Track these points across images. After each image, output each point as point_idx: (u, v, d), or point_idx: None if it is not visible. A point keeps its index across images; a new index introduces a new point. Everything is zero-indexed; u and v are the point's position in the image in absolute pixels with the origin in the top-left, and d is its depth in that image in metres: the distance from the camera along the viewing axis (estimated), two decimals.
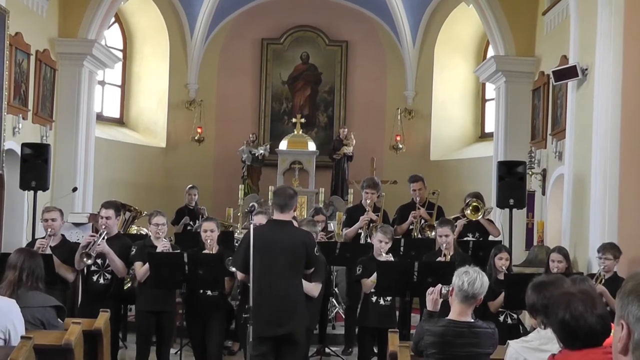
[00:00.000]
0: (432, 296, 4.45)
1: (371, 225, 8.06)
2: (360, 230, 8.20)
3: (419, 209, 8.34)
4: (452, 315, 4.16)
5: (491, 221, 8.59)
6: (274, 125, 14.81)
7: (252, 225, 5.49)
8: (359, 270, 6.53)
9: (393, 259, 6.55)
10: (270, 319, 5.23)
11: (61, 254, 6.45)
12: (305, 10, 14.73)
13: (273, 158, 13.75)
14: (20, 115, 10.02)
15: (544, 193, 10.44)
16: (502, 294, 6.34)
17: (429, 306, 4.47)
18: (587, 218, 7.77)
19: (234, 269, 6.03)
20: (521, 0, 11.54)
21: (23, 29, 9.95)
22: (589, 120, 7.84)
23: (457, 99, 14.59)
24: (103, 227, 6.49)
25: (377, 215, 8.21)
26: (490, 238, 8.26)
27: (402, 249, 7.42)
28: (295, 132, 13.81)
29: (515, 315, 6.56)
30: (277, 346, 5.33)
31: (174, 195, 12.20)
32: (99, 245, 6.33)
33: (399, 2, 14.03)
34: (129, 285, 7.33)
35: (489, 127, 13.93)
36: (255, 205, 6.53)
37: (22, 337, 4.05)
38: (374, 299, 6.47)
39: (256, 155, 13.80)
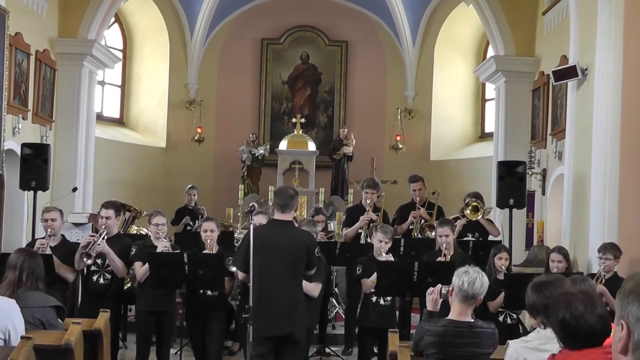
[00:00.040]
0: (432, 296, 4.46)
1: (371, 225, 8.06)
2: (360, 230, 8.20)
3: (419, 209, 8.34)
4: (452, 315, 4.16)
5: (491, 221, 8.60)
6: (274, 125, 14.81)
7: (252, 225, 5.49)
8: (359, 270, 6.53)
9: (393, 259, 6.55)
10: (271, 319, 5.23)
11: (61, 254, 6.46)
12: (305, 10, 14.73)
13: (273, 158, 13.75)
14: (20, 115, 10.02)
15: (544, 193, 10.44)
16: (502, 294, 6.35)
17: (429, 306, 4.47)
18: (587, 218, 7.77)
19: (234, 269, 6.03)
20: (521, 0, 11.54)
21: (23, 29, 9.95)
22: (589, 120, 7.84)
23: (457, 99, 14.59)
24: (103, 227, 6.50)
25: (377, 215, 8.21)
26: (490, 238, 8.26)
27: (402, 249, 7.42)
28: (295, 132, 13.81)
29: (514, 315, 6.56)
30: (277, 346, 5.33)
31: (174, 195, 12.20)
32: (98, 245, 6.34)
33: (399, 2, 14.04)
34: (129, 285, 7.33)
35: (489, 127, 13.93)
36: (255, 205, 6.54)
37: (22, 337, 4.05)
38: (374, 299, 6.47)
39: (256, 155, 13.80)
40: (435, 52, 14.51)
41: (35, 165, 9.06)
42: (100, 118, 13.14)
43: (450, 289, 4.18)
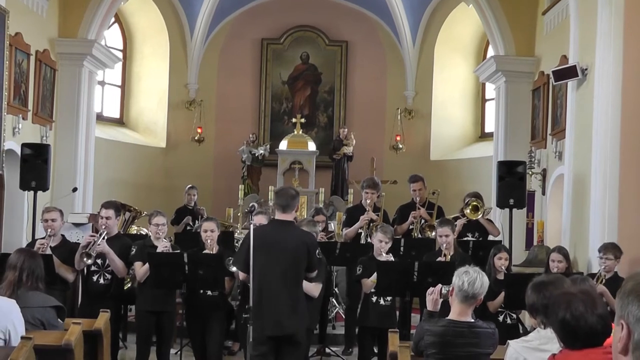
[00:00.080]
0: (432, 296, 4.46)
1: (371, 225, 8.06)
2: (360, 230, 8.20)
3: (419, 209, 8.34)
4: (452, 315, 4.16)
5: (490, 221, 8.61)
6: (274, 125, 14.81)
7: (252, 226, 5.49)
8: (359, 270, 6.53)
9: (393, 259, 6.55)
10: (272, 319, 5.24)
11: (61, 254, 6.46)
12: (305, 10, 14.73)
13: (273, 158, 13.75)
14: (20, 115, 10.02)
15: (544, 193, 10.44)
16: (502, 294, 6.35)
17: (429, 306, 4.47)
18: (587, 218, 7.77)
19: (234, 269, 6.03)
20: (521, 0, 11.54)
21: (23, 29, 9.95)
22: (589, 120, 7.84)
23: (457, 99, 14.59)
24: (103, 227, 6.50)
25: (377, 215, 8.21)
26: (490, 238, 8.27)
27: (402, 249, 7.42)
28: (295, 132, 13.81)
29: (514, 315, 6.56)
30: (278, 346, 5.33)
31: (174, 195, 12.20)
32: (99, 245, 6.34)
33: (399, 2, 14.03)
34: (129, 285, 7.33)
35: (489, 127, 13.93)
36: (255, 205, 6.54)
37: (22, 338, 4.05)
38: (374, 299, 6.47)
39: (256, 155, 13.80)
40: (435, 52, 14.51)
41: (35, 166, 9.06)
42: (100, 118, 13.14)
43: (451, 289, 4.18)
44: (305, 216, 10.36)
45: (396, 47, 14.69)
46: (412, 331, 5.50)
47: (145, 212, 9.34)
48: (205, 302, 6.33)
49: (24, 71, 10.16)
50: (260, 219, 6.49)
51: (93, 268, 6.52)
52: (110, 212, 6.57)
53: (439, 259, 6.66)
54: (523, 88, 11.47)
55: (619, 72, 7.34)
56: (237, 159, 13.95)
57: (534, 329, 3.83)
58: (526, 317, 6.69)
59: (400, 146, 14.28)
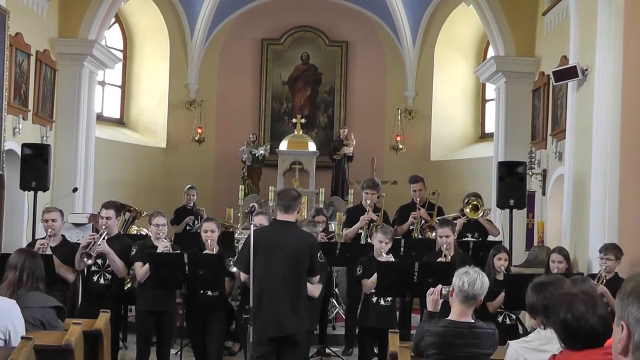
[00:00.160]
0: (433, 297, 4.46)
1: (371, 225, 8.06)
2: (360, 231, 8.20)
3: (419, 209, 8.34)
4: (452, 316, 4.16)
5: (490, 221, 8.62)
6: (274, 126, 14.82)
7: (252, 226, 5.50)
8: (360, 270, 6.54)
9: (393, 260, 6.56)
10: (272, 320, 5.24)
11: (61, 254, 6.46)
12: (305, 10, 14.73)
13: (273, 158, 13.75)
14: (21, 115, 10.02)
15: (544, 193, 10.44)
16: (501, 295, 6.35)
17: (430, 307, 4.47)
18: (588, 218, 7.77)
19: (234, 270, 6.04)
20: (521, 1, 11.54)
21: (23, 29, 9.95)
22: (589, 121, 7.84)
23: (457, 99, 14.59)
24: (103, 227, 6.50)
25: (377, 216, 8.21)
26: (490, 238, 8.27)
27: (402, 249, 7.42)
28: (296, 133, 13.81)
29: (513, 316, 6.56)
30: (278, 347, 5.33)
31: (174, 195, 12.20)
32: (99, 245, 6.34)
33: (399, 2, 14.03)
34: (129, 285, 7.33)
35: (489, 127, 13.93)
36: (256, 205, 6.54)
37: (22, 338, 4.05)
38: (374, 299, 6.47)
39: (256, 155, 13.80)
40: (436, 53, 14.51)
41: (35, 166, 9.07)
42: (100, 118, 13.14)
43: (451, 289, 4.18)
44: (305, 217, 10.36)
45: (396, 48, 14.69)
46: (412, 332, 5.50)
47: (145, 213, 9.34)
48: (205, 303, 6.33)
49: (24, 71, 10.16)
50: (260, 220, 6.49)
51: (93, 268, 6.53)
52: (111, 213, 6.58)
53: (439, 259, 6.67)
54: (523, 88, 11.47)
55: (619, 73, 7.34)
56: (238, 159, 13.95)
57: (534, 329, 3.83)
58: (526, 318, 6.68)
59: (401, 146, 14.28)
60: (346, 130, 13.89)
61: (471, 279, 4.07)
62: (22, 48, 10.03)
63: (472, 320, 4.20)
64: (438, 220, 8.07)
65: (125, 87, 14.45)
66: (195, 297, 6.33)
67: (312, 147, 13.60)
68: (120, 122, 14.38)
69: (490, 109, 13.75)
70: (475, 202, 8.14)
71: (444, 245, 6.74)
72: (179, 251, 6.46)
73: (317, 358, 8.02)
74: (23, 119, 10.09)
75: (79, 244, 6.60)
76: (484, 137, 14.29)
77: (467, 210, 8.13)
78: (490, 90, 13.44)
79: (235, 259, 5.97)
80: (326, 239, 8.28)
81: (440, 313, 4.42)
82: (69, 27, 11.45)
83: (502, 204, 9.03)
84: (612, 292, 5.79)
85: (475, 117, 14.61)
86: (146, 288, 6.37)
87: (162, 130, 14.49)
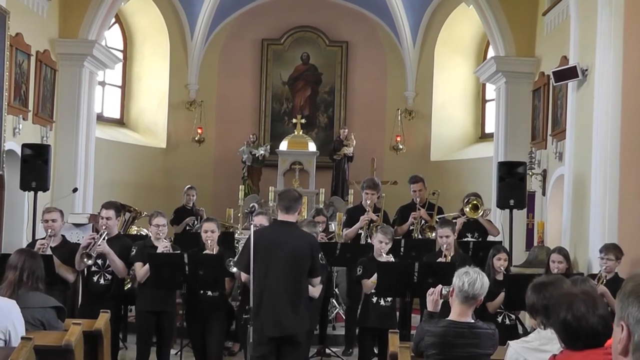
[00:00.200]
0: (433, 297, 4.46)
1: (371, 225, 8.06)
2: (360, 231, 8.20)
3: (419, 209, 8.34)
4: (452, 316, 4.16)
5: (490, 221, 8.62)
6: (274, 126, 14.81)
7: (252, 227, 5.50)
8: (360, 270, 6.54)
9: (393, 260, 6.56)
10: (273, 320, 5.24)
11: (61, 254, 6.46)
12: (305, 10, 14.74)
13: (273, 159, 13.75)
14: (21, 115, 10.02)
15: (544, 193, 10.44)
16: (501, 295, 6.36)
17: (430, 307, 4.47)
18: (588, 218, 7.77)
19: (234, 270, 6.04)
20: (521, 1, 11.53)
21: (23, 29, 9.95)
22: (589, 121, 7.84)
23: (458, 100, 14.59)
24: (103, 227, 6.50)
25: (377, 216, 8.21)
26: (490, 238, 8.27)
27: (402, 249, 7.42)
28: (296, 133, 13.81)
29: (513, 316, 6.56)
30: (279, 347, 5.34)
31: (174, 195, 12.19)
32: (99, 245, 6.34)
33: (399, 3, 14.04)
34: (129, 285, 7.33)
35: (489, 127, 13.93)
36: (256, 205, 6.54)
37: (22, 338, 4.05)
38: (374, 299, 6.47)
39: (256, 155, 13.80)
40: (436, 53, 14.51)
41: (35, 166, 9.07)
42: (100, 119, 13.14)
43: (451, 289, 4.18)
44: (305, 217, 10.36)
45: (396, 48, 14.69)
46: (413, 332, 5.51)
47: (145, 213, 9.35)
48: (205, 303, 6.33)
49: (25, 72, 10.16)
50: (260, 220, 6.50)
51: (93, 268, 6.53)
52: (111, 213, 6.58)
53: (439, 259, 6.67)
54: (523, 89, 11.47)
55: (619, 73, 7.34)
56: (238, 160, 13.95)
57: (534, 329, 3.84)
58: (526, 318, 6.68)
59: (401, 147, 14.28)
60: (346, 130, 13.89)
61: (471, 279, 4.07)
62: (23, 48, 10.03)
63: (472, 321, 4.20)
64: (438, 218, 8.09)
65: (125, 87, 14.45)
66: (195, 297, 6.33)
67: (312, 147, 13.60)
68: (121, 123, 14.38)
69: (491, 109, 13.75)
70: (475, 202, 8.16)
71: (444, 246, 6.74)
72: (179, 251, 6.46)
73: (317, 358, 8.02)
74: (23, 119, 10.09)
75: (79, 244, 6.60)
76: (484, 137, 14.29)
77: (467, 209, 8.13)
78: (491, 91, 13.44)
79: (235, 259, 5.98)
80: (326, 239, 8.28)
81: (441, 313, 4.42)
82: (69, 27, 11.45)
83: (502, 204, 9.03)
84: (612, 292, 5.79)
85: (475, 117, 14.61)
86: (146, 288, 6.37)
87: (162, 130, 14.49)
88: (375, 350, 6.76)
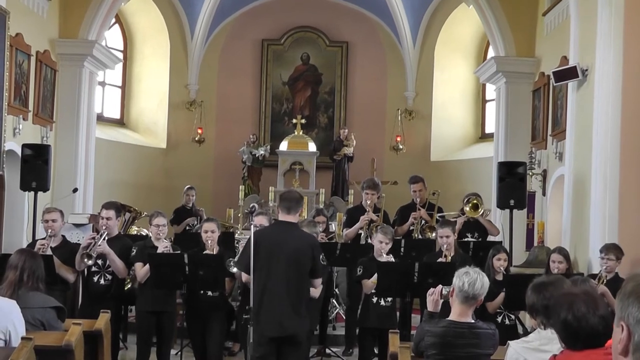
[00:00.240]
0: (433, 297, 4.46)
1: (371, 225, 8.06)
2: (360, 231, 8.20)
3: (419, 209, 8.34)
4: (452, 316, 4.16)
5: (490, 221, 8.62)
6: (274, 126, 14.82)
7: (252, 227, 5.51)
8: (360, 271, 6.54)
9: (393, 260, 6.56)
10: (274, 320, 5.24)
11: (62, 254, 6.46)
12: (305, 11, 14.74)
13: (273, 159, 13.75)
14: (21, 116, 10.02)
15: (544, 194, 10.44)
16: (500, 295, 6.36)
17: (430, 307, 4.47)
18: (588, 219, 7.77)
19: (234, 270, 6.04)
20: (521, 1, 11.54)
21: (23, 29, 9.95)
22: (589, 121, 7.84)
23: (458, 100, 14.59)
24: (104, 227, 6.50)
25: (377, 216, 8.21)
26: (490, 238, 8.28)
27: (402, 249, 7.42)
28: (296, 133, 13.81)
29: (512, 316, 6.56)
30: (278, 347, 5.34)
31: (175, 196, 12.18)
32: (99, 246, 6.34)
33: (399, 3, 14.04)
34: (130, 286, 7.33)
35: (490, 127, 13.93)
36: (256, 206, 6.54)
37: (22, 338, 4.05)
38: (374, 299, 6.47)
39: (256, 156, 13.80)
40: (436, 53, 14.51)
41: (35, 166, 9.07)
42: (100, 119, 13.14)
43: (451, 289, 4.18)
44: (305, 217, 10.36)
45: (396, 48, 14.69)
46: (413, 332, 5.51)
47: (145, 213, 9.35)
48: (205, 303, 6.33)
49: (25, 72, 10.16)
50: (260, 220, 6.50)
51: (93, 269, 6.53)
52: (111, 213, 6.58)
53: (440, 259, 6.67)
54: (523, 89, 11.47)
55: (619, 73, 7.34)
56: (238, 160, 13.95)
57: (534, 329, 3.84)
58: (526, 318, 6.68)
59: (401, 147, 14.28)
60: (346, 130, 13.89)
61: (471, 279, 4.07)
62: (23, 48, 10.04)
63: (473, 321, 4.20)
64: (439, 216, 8.09)
65: (125, 87, 14.45)
66: (196, 297, 6.33)
67: (312, 147, 13.60)
68: (121, 123, 14.39)
69: (491, 109, 13.75)
70: (475, 201, 8.16)
71: (444, 246, 6.74)
72: (179, 251, 6.46)
73: (317, 358, 8.02)
74: (23, 119, 10.09)
75: (79, 244, 6.60)
76: (484, 137, 14.29)
77: (467, 208, 8.14)
78: (491, 91, 13.44)
79: (236, 259, 5.98)
80: (326, 239, 8.28)
81: (441, 313, 4.42)
82: (69, 27, 11.45)
83: (502, 204, 9.03)
84: (612, 292, 5.79)
85: (475, 117, 14.61)
86: (146, 288, 6.38)
87: (163, 130, 14.49)
88: (376, 351, 6.76)
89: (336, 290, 9.21)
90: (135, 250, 6.47)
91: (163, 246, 6.45)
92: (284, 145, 13.60)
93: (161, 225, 6.60)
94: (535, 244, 10.00)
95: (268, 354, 5.28)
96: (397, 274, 6.19)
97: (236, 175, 13.89)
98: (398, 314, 6.84)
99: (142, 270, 6.35)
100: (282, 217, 5.49)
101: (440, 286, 4.49)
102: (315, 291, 5.80)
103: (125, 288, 7.17)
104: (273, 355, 5.32)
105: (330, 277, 8.32)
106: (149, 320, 6.46)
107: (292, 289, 5.30)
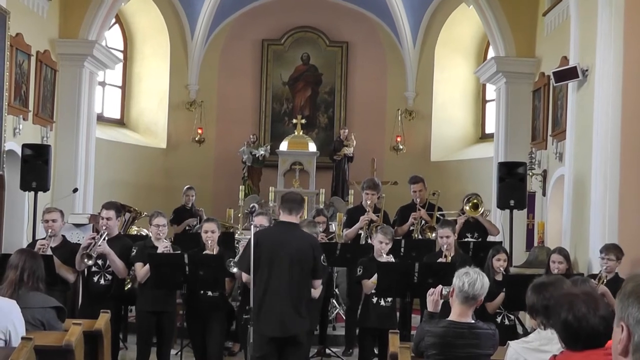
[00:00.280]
0: (433, 297, 4.46)
1: (371, 226, 8.06)
2: (360, 231, 8.20)
3: (419, 210, 8.34)
4: (452, 316, 4.16)
5: (490, 221, 8.63)
6: (274, 126, 14.82)
7: (252, 227, 5.51)
8: (360, 271, 6.54)
9: (393, 260, 6.56)
10: (275, 320, 5.25)
11: (62, 254, 6.46)
12: (305, 11, 14.74)
13: (273, 159, 13.75)
14: (21, 116, 10.02)
15: (544, 194, 10.44)
16: (500, 295, 6.36)
17: (430, 307, 4.47)
18: (588, 219, 7.77)
19: (234, 270, 6.04)
20: (521, 1, 11.54)
21: (24, 29, 9.96)
22: (590, 121, 7.84)
23: (458, 100, 14.59)
24: (104, 227, 6.50)
25: (378, 216, 8.21)
26: (490, 238, 8.28)
27: (402, 250, 7.42)
28: (296, 133, 13.81)
29: (512, 317, 6.56)
30: (279, 347, 5.34)
31: (175, 196, 12.18)
32: (99, 246, 6.34)
33: (399, 3, 14.04)
34: (130, 286, 7.33)
35: (490, 128, 13.93)
36: (256, 206, 6.54)
37: (22, 338, 4.05)
38: (374, 299, 6.47)
39: (257, 156, 13.80)
40: (436, 53, 14.51)
41: (35, 166, 9.07)
42: (100, 119, 13.15)
43: (451, 290, 4.18)
44: (306, 217, 10.35)
45: (397, 48, 14.69)
46: (413, 332, 5.51)
47: (145, 213, 9.35)
48: (205, 303, 6.33)
49: (25, 72, 10.16)
50: (260, 220, 6.51)
51: (94, 269, 6.53)
52: (111, 213, 6.58)
53: (440, 260, 6.67)
54: (523, 89, 11.47)
55: (620, 73, 7.34)
56: (238, 160, 13.95)
57: (534, 330, 3.84)
58: (526, 318, 6.68)
59: (401, 147, 14.28)
60: (346, 130, 13.89)
61: (471, 279, 4.07)
62: (23, 48, 10.04)
63: (472, 321, 4.20)
64: (439, 215, 8.09)
65: (125, 87, 14.46)
66: (196, 297, 6.33)
67: (312, 147, 13.60)
68: (121, 123, 14.39)
69: (491, 109, 13.75)
70: (475, 200, 8.17)
71: (444, 246, 6.74)
72: (179, 252, 6.46)
73: (318, 358, 8.02)
74: (23, 119, 10.09)
75: (80, 244, 6.60)
76: (484, 137, 14.29)
77: (467, 208, 8.14)
78: (491, 91, 13.45)
79: (236, 259, 5.98)
80: (326, 239, 8.28)
81: (441, 313, 4.42)
82: (69, 27, 11.45)
83: (502, 204, 9.03)
84: (612, 293, 5.79)
85: (475, 117, 14.61)
86: (146, 288, 6.37)
87: (163, 130, 14.49)
88: (376, 351, 6.76)
89: (336, 290, 9.21)
90: (135, 251, 6.47)
91: (163, 246, 6.45)
92: (284, 146, 13.60)
93: (161, 225, 6.60)
94: (535, 244, 10.00)
95: (269, 354, 5.29)
96: (397, 274, 6.19)
97: (236, 176, 13.90)
98: (398, 314, 6.84)
99: (142, 270, 6.35)
100: (284, 217, 5.50)
101: (440, 286, 4.49)
102: (315, 292, 5.80)
103: (126, 288, 7.17)
104: (274, 355, 5.32)
105: (330, 277, 8.32)
106: (149, 320, 6.46)
107: (294, 290, 5.31)
